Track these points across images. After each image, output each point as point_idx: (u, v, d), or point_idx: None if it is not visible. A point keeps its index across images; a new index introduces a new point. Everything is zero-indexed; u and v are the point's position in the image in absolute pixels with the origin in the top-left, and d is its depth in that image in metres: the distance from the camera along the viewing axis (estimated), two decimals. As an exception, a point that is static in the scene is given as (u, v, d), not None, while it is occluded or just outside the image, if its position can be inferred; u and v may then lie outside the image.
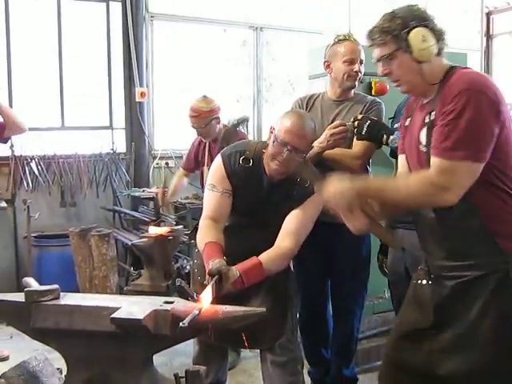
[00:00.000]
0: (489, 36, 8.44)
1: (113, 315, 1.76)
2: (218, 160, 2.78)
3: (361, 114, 3.15)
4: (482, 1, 8.26)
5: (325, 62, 3.22)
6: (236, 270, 2.35)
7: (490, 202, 1.99)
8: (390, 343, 2.36)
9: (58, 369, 2.13)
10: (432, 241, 2.16)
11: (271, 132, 2.67)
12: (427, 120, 2.06)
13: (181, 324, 1.75)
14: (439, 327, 2.11)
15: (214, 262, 2.34)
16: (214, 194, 2.72)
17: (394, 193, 2.06)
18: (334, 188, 2.06)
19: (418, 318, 2.20)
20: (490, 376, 2.00)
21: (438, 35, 2.08)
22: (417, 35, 2.02)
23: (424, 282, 2.22)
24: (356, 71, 3.12)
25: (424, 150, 2.07)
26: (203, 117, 4.06)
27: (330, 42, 3.23)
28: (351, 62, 3.11)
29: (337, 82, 3.18)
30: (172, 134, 6.44)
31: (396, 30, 2.04)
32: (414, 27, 2.03)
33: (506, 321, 1.98)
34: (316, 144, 2.95)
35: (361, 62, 3.14)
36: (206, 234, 2.60)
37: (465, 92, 1.92)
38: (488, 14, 8.44)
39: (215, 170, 2.77)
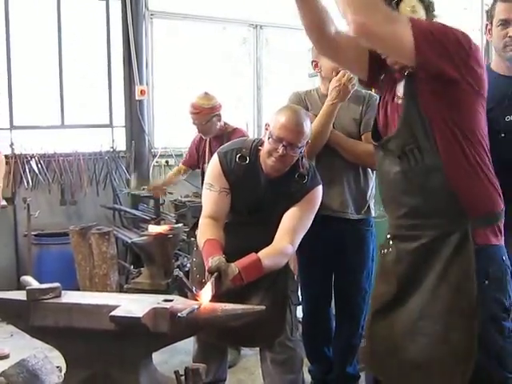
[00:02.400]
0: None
1: (112, 313, 1.76)
2: (215, 158, 2.78)
3: (361, 114, 3.16)
4: (482, -2, 8.25)
5: (312, 61, 3.22)
6: (235, 267, 2.35)
7: (454, 159, 1.96)
8: (367, 321, 2.34)
9: (58, 367, 2.13)
10: (393, 198, 2.13)
11: (266, 129, 2.67)
12: (406, 73, 2.03)
13: (179, 314, 1.76)
14: (402, 296, 2.07)
15: (213, 260, 2.34)
16: (211, 193, 2.72)
17: None
18: None
19: (384, 290, 2.17)
20: (445, 345, 1.97)
21: (427, 6, 2.09)
22: (406, 5, 2.03)
23: (386, 250, 2.20)
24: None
25: (400, 102, 2.06)
26: (204, 114, 4.06)
27: None
28: None
29: (327, 80, 3.16)
30: (172, 132, 6.44)
31: (386, 1, 2.03)
32: None
33: (466, 283, 1.95)
34: (328, 102, 3.01)
35: None
36: (205, 232, 2.61)
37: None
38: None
39: (212, 169, 2.77)
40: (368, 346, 2.30)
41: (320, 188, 2.75)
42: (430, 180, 2.00)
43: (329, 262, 3.29)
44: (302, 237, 2.69)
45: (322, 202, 2.98)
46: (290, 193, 2.68)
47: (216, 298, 2.10)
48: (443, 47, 1.87)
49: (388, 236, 2.21)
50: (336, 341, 3.46)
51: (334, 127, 3.12)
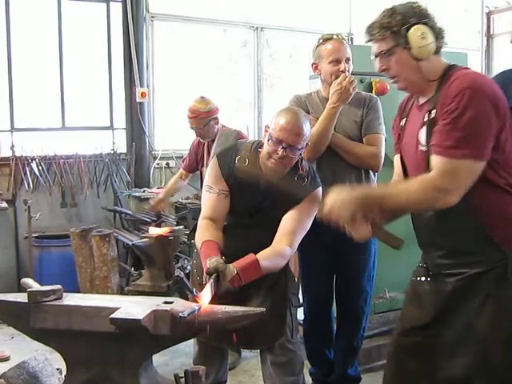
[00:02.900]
0: (489, 36, 8.43)
1: (112, 315, 1.76)
2: (214, 161, 2.78)
3: (362, 116, 3.17)
4: (482, 0, 8.25)
5: (312, 64, 3.23)
6: (233, 268, 2.35)
7: (488, 200, 1.99)
8: (393, 342, 2.35)
9: (58, 369, 2.13)
10: (430, 239, 2.16)
11: (266, 131, 2.67)
12: (426, 119, 2.05)
13: (180, 314, 1.76)
14: (439, 324, 2.11)
15: (211, 261, 2.34)
16: (210, 195, 2.73)
17: (395, 199, 2.05)
18: (335, 200, 2.04)
19: (418, 315, 2.20)
20: (488, 374, 2.00)
21: (438, 33, 2.08)
22: (416, 32, 2.02)
23: (423, 279, 2.22)
24: (342, 70, 3.11)
25: (423, 149, 2.06)
26: (201, 117, 4.06)
27: (315, 43, 3.23)
28: (337, 61, 3.11)
29: (327, 83, 3.17)
30: (172, 135, 6.44)
31: (395, 26, 2.04)
32: (414, 24, 2.03)
33: (504, 316, 1.98)
34: (330, 105, 3.03)
35: (347, 60, 3.13)
36: (203, 233, 2.61)
37: (466, 90, 1.92)
38: (488, 14, 8.43)
39: (211, 171, 2.78)
40: (392, 366, 2.31)
41: (320, 190, 2.75)
42: (463, 223, 2.02)
43: (330, 264, 3.29)
44: (301, 239, 2.69)
45: None
46: (290, 194, 2.68)
47: (215, 299, 2.10)
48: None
49: (424, 265, 2.23)
50: (337, 343, 3.46)
51: (335, 130, 3.13)
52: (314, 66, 3.22)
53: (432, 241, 2.15)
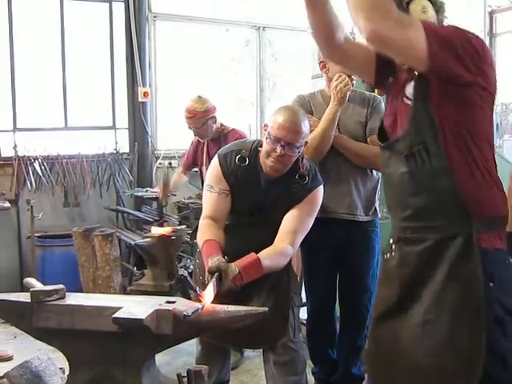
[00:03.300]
0: (492, 35, 8.41)
1: (114, 315, 1.76)
2: (215, 160, 2.79)
3: (366, 117, 3.17)
4: (484, 0, 8.24)
5: (320, 62, 3.22)
6: (235, 267, 2.35)
7: (461, 162, 1.95)
8: (370, 326, 2.33)
9: (61, 368, 2.14)
10: (400, 198, 2.11)
11: (265, 129, 2.67)
12: (416, 74, 2.02)
13: (184, 313, 1.76)
14: (406, 300, 2.07)
15: (212, 260, 2.35)
16: (211, 194, 2.73)
17: None
18: None
19: (386, 295, 2.15)
20: (451, 347, 1.97)
21: (438, 7, 2.09)
22: (417, 6, 2.03)
23: (388, 255, 2.19)
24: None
25: (409, 102, 2.04)
26: (199, 117, 4.05)
27: None
28: None
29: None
30: (175, 134, 6.44)
31: (396, 1, 2.03)
32: None
33: (471, 285, 1.94)
34: (330, 106, 3.03)
35: None
36: (204, 233, 2.62)
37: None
38: (491, 13, 8.41)
39: (212, 171, 2.78)
40: (371, 349, 2.29)
41: (321, 188, 2.75)
42: (436, 182, 1.99)
43: (334, 263, 3.29)
44: (302, 237, 2.69)
45: (329, 205, 2.99)
46: (291, 193, 2.68)
47: (217, 298, 2.11)
48: (456, 51, 1.85)
49: (391, 240, 2.20)
50: (341, 342, 3.46)
51: (340, 130, 3.13)
52: (322, 64, 3.21)
53: (400, 200, 2.11)
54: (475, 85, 1.91)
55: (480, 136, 1.98)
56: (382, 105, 3.23)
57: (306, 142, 2.69)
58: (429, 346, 1.99)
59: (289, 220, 2.66)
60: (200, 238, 2.62)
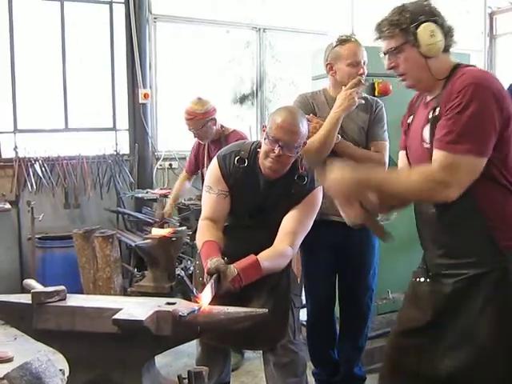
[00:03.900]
0: (492, 36, 8.42)
1: (114, 316, 1.76)
2: (214, 162, 2.79)
3: (369, 121, 3.18)
4: (484, 1, 8.24)
5: (327, 64, 3.21)
6: (234, 268, 2.35)
7: (490, 198, 1.98)
8: (390, 342, 2.35)
9: (61, 370, 2.13)
10: (431, 237, 2.15)
11: (263, 130, 2.67)
12: (431, 116, 2.05)
13: (180, 313, 1.76)
14: (437, 326, 2.10)
15: (212, 261, 2.35)
16: (210, 195, 2.74)
17: (394, 185, 2.04)
18: (336, 175, 2.03)
19: (416, 316, 2.19)
20: (488, 375, 2.00)
21: (447, 31, 2.09)
22: (425, 30, 2.03)
23: (422, 279, 2.21)
24: (361, 73, 3.11)
25: (427, 146, 2.06)
26: (198, 119, 4.04)
27: (331, 43, 3.21)
28: (355, 64, 3.10)
29: (342, 85, 3.16)
30: (175, 136, 6.44)
31: (405, 24, 2.04)
32: (423, 22, 2.03)
33: (506, 319, 1.97)
34: (334, 110, 3.04)
35: (364, 64, 3.14)
36: (203, 234, 2.62)
37: (470, 86, 1.92)
38: (491, 15, 8.42)
39: (211, 172, 2.78)
40: (389, 365, 2.30)
41: (320, 189, 2.74)
42: (465, 221, 2.02)
43: (333, 263, 3.30)
44: (302, 239, 2.69)
45: (329, 208, 3.00)
46: (290, 194, 2.68)
47: (216, 299, 2.11)
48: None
49: (424, 266, 2.23)
50: (342, 342, 3.46)
51: (343, 136, 3.13)
52: (329, 66, 3.19)
53: (433, 238, 2.14)
54: (503, 131, 1.96)
55: (507, 167, 2.00)
56: (384, 110, 3.24)
57: (305, 143, 2.69)
58: (460, 366, 2.04)
59: (288, 221, 2.66)
60: (199, 240, 2.62)
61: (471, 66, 2.13)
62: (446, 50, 2.10)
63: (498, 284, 1.97)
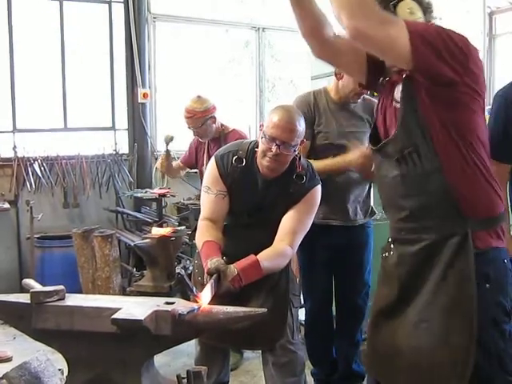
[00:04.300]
0: (491, 36, 8.41)
1: (113, 316, 1.76)
2: (212, 162, 2.79)
3: (370, 126, 3.18)
4: (484, 1, 8.24)
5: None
6: (234, 268, 2.36)
7: (453, 162, 1.95)
8: (369, 323, 2.34)
9: (60, 369, 2.13)
10: (394, 201, 2.12)
11: (261, 129, 2.67)
12: (404, 75, 2.01)
13: (179, 312, 1.76)
14: (404, 299, 2.07)
15: (212, 261, 2.35)
16: (208, 196, 2.73)
17: None
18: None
19: (386, 292, 2.17)
20: (445, 346, 1.97)
21: (425, 8, 2.07)
22: (404, 7, 2.01)
23: (387, 254, 2.20)
24: (364, 93, 3.11)
25: (397, 105, 2.04)
26: (198, 117, 4.04)
27: None
28: None
29: (343, 93, 3.18)
30: (175, 135, 6.43)
31: (383, 2, 2.02)
32: (401, 0, 2.02)
33: (465, 286, 1.94)
34: (343, 160, 3.04)
35: None
36: (203, 234, 2.62)
37: None
38: (490, 15, 8.41)
39: (209, 172, 2.78)
40: (369, 348, 2.29)
41: (319, 188, 2.74)
42: (429, 183, 1.99)
43: (330, 263, 3.32)
44: (301, 238, 2.70)
45: (328, 214, 3.02)
46: (289, 194, 2.68)
47: (216, 299, 2.11)
48: (440, 49, 1.85)
49: (389, 239, 2.21)
50: (339, 339, 3.48)
51: (346, 139, 3.14)
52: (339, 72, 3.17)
53: (395, 202, 2.12)
54: (462, 84, 1.91)
55: (471, 135, 1.97)
56: None
57: (302, 141, 2.69)
58: (423, 346, 2.00)
59: (287, 220, 2.66)
60: (199, 240, 2.62)
61: None
62: None
63: (458, 250, 1.94)
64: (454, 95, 1.92)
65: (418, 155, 1.97)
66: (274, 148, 2.56)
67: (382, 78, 2.20)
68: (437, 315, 1.97)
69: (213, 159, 2.80)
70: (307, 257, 3.29)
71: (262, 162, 2.64)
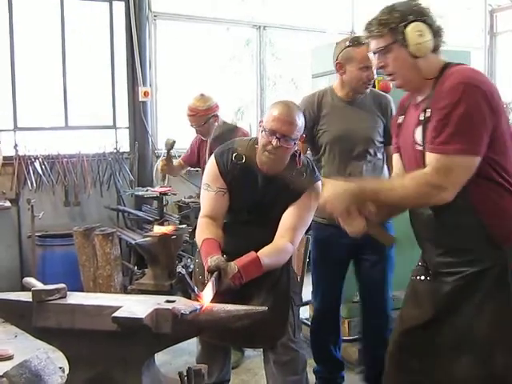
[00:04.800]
0: (492, 34, 8.41)
1: (114, 314, 1.76)
2: (212, 159, 2.79)
3: (382, 122, 3.21)
4: (485, -1, 8.25)
5: (337, 63, 3.18)
6: (234, 265, 2.35)
7: (486, 197, 1.98)
8: (393, 342, 2.35)
9: (61, 368, 2.13)
10: (429, 238, 2.15)
11: (260, 125, 2.67)
12: (422, 118, 2.04)
13: (182, 311, 1.76)
14: (438, 324, 2.10)
15: (212, 259, 2.34)
16: (208, 193, 2.73)
17: (390, 193, 2.05)
18: (330, 191, 2.06)
19: (417, 314, 2.19)
20: (488, 372, 1.99)
21: (436, 31, 2.07)
22: (414, 29, 2.02)
23: (422, 278, 2.21)
24: (372, 78, 3.12)
25: (420, 148, 2.06)
26: (201, 115, 4.04)
27: (342, 42, 3.18)
28: (367, 68, 3.08)
29: (350, 86, 3.17)
30: (175, 134, 6.43)
31: (393, 23, 2.03)
32: (412, 21, 2.02)
33: (504, 316, 1.97)
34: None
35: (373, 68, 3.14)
36: (203, 231, 2.61)
37: (459, 85, 1.92)
38: (491, 12, 8.41)
39: (209, 169, 2.78)
40: (392, 364, 2.31)
41: (319, 184, 2.73)
42: (462, 221, 2.01)
43: (344, 263, 3.32)
44: (302, 234, 2.70)
45: None
46: (289, 190, 2.66)
47: (217, 297, 2.10)
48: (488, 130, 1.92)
49: (422, 264, 2.23)
50: (365, 323, 3.48)
51: (355, 135, 3.15)
52: (339, 65, 3.17)
53: (431, 239, 2.14)
54: (496, 129, 1.95)
55: (501, 165, 2.00)
56: (392, 103, 3.24)
57: (302, 136, 2.68)
58: (462, 365, 2.04)
59: (288, 217, 2.65)
60: (199, 237, 2.62)
61: (462, 64, 2.10)
62: (436, 49, 2.08)
63: (497, 281, 1.97)
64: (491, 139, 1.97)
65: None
66: (274, 141, 2.55)
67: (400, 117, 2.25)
68: (476, 340, 2.02)
69: (212, 157, 2.80)
70: (321, 254, 3.28)
71: (262, 158, 2.63)
